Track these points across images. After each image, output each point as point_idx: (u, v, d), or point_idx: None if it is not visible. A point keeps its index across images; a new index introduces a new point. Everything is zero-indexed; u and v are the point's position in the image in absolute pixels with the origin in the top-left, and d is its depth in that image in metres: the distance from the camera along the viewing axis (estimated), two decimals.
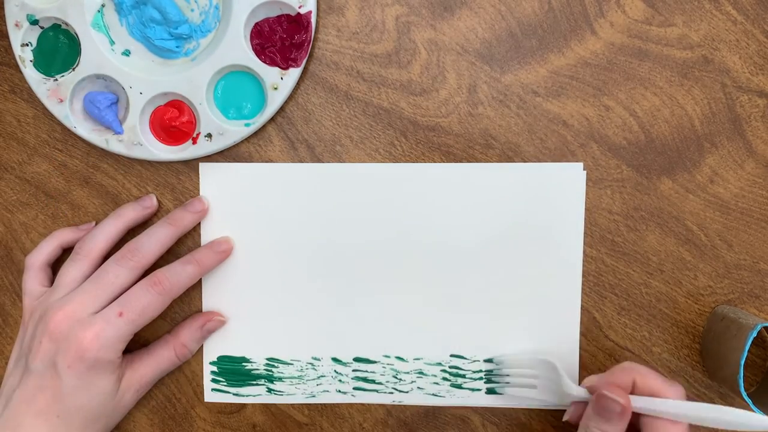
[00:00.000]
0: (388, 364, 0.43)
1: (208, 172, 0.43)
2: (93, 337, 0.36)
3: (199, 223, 0.43)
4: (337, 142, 0.42)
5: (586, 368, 0.43)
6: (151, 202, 0.42)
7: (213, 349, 0.44)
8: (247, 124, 0.41)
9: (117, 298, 0.38)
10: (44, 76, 0.41)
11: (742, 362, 0.37)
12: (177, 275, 0.39)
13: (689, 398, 0.35)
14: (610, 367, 0.39)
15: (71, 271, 0.39)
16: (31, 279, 0.41)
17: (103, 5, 0.41)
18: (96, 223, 0.43)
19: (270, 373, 0.44)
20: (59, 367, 0.36)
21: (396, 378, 0.43)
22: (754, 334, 0.37)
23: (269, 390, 0.44)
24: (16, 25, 0.41)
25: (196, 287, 0.43)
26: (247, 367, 0.44)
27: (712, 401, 0.42)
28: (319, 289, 0.43)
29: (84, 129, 0.42)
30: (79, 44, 0.41)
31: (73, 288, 0.39)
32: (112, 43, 0.41)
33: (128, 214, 0.41)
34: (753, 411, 0.37)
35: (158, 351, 0.42)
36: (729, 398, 0.42)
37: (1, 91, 0.44)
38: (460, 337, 0.43)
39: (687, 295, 0.42)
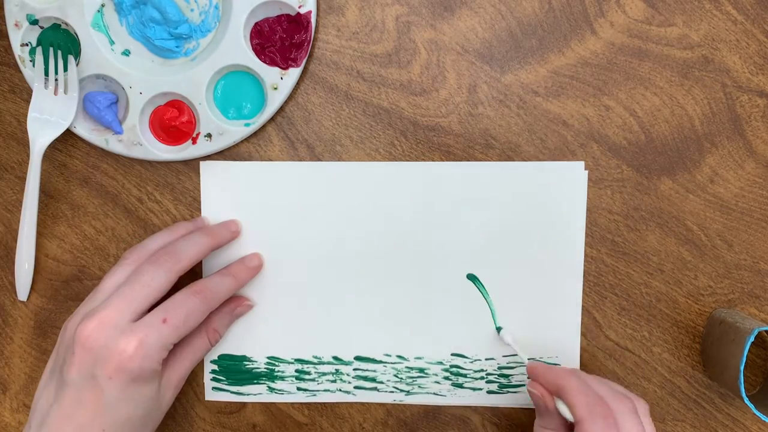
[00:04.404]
0: (389, 363, 0.43)
1: (208, 170, 0.43)
2: (137, 344, 0.34)
3: None
4: (337, 142, 0.42)
5: (586, 368, 0.43)
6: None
7: (214, 348, 0.44)
8: (246, 124, 0.41)
9: (152, 302, 0.36)
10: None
11: (742, 368, 0.37)
12: (217, 286, 0.38)
13: None
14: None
15: (114, 277, 0.37)
16: None
17: (102, 5, 0.41)
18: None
19: (271, 371, 0.44)
20: (99, 379, 0.34)
21: (397, 377, 0.43)
22: (752, 339, 0.37)
23: (270, 389, 0.44)
24: (16, 25, 0.41)
25: None
26: (247, 366, 0.44)
27: (712, 401, 0.42)
28: (320, 288, 0.43)
29: (84, 129, 0.42)
30: (79, 44, 0.41)
31: (111, 293, 0.36)
32: (112, 43, 0.41)
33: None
34: (756, 415, 0.37)
35: (192, 342, 0.40)
36: (729, 398, 0.42)
37: (1, 91, 0.44)
38: (461, 336, 0.43)
39: (687, 295, 0.42)
